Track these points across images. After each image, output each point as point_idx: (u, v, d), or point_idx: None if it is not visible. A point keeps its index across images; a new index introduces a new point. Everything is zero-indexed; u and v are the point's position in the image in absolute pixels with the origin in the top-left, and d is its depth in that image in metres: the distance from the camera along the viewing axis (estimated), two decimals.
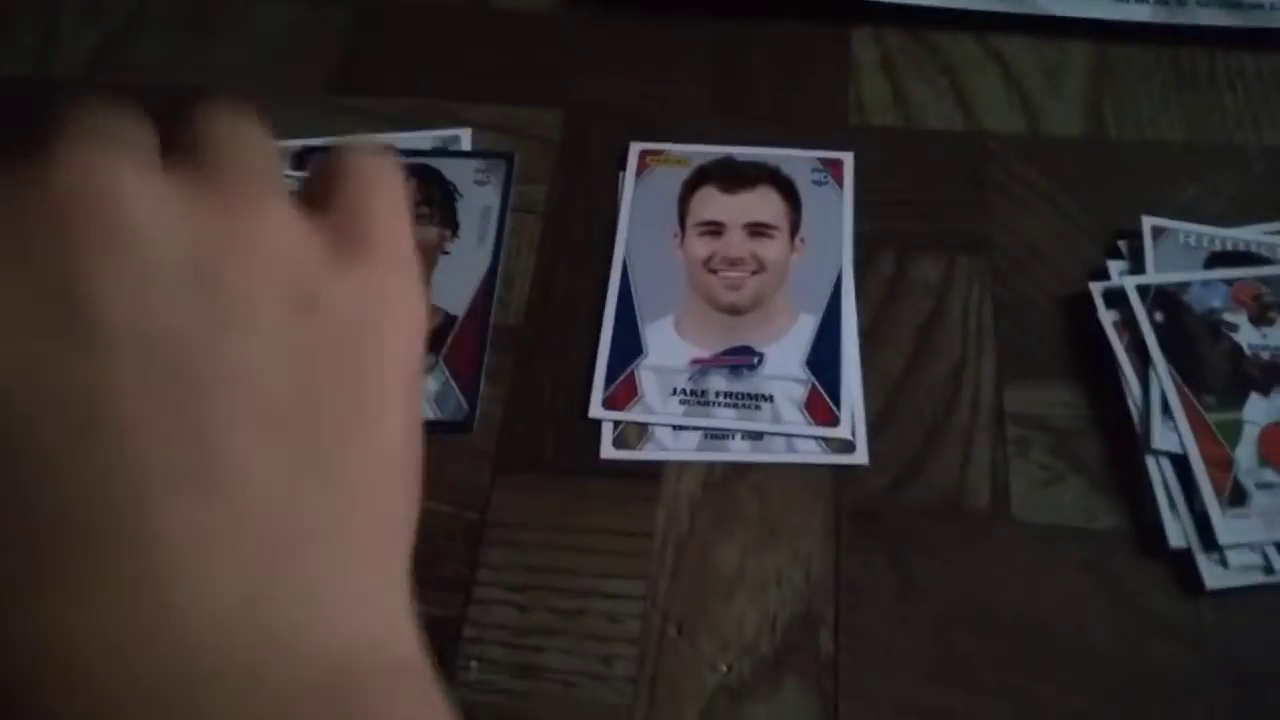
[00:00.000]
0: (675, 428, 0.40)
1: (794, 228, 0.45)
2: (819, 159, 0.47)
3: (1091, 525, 0.37)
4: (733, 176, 0.46)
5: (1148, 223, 0.43)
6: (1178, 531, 0.36)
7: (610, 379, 0.41)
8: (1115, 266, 0.43)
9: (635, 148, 0.48)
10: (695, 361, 0.41)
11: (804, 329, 0.42)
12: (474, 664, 0.35)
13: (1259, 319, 0.40)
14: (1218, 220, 0.44)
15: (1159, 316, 0.40)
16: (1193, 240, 0.43)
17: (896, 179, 0.47)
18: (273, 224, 0.17)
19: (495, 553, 0.38)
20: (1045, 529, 0.37)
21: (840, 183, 0.46)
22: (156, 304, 0.15)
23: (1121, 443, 0.39)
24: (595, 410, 0.40)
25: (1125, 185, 0.46)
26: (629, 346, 0.42)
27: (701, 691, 0.35)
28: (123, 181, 0.16)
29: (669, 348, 0.42)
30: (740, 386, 0.40)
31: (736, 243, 0.44)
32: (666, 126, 0.49)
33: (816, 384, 0.40)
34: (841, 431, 0.39)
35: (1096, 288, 0.42)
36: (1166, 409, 0.38)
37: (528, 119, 0.50)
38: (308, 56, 0.52)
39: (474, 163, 0.48)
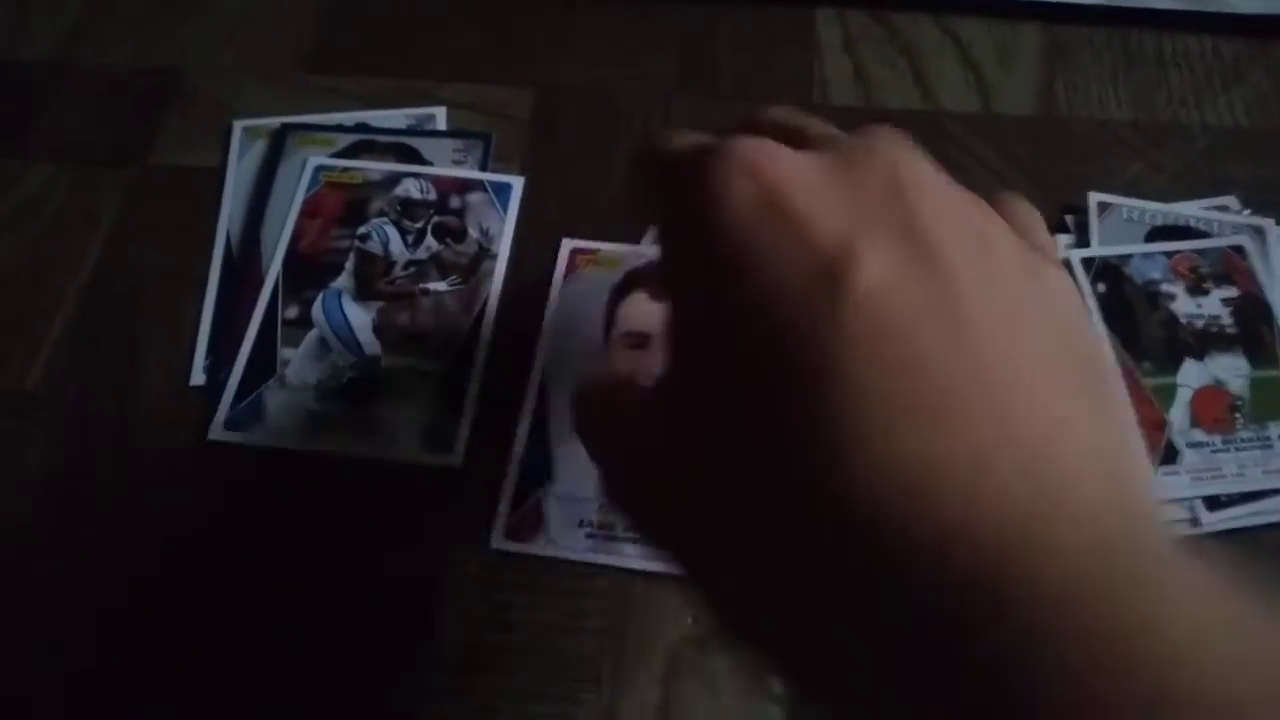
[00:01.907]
0: (583, 564, 0.38)
1: None
2: None
3: None
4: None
5: (1093, 198, 0.45)
6: None
7: (515, 505, 0.39)
8: (1062, 240, 0.45)
9: (566, 246, 0.45)
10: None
11: None
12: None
13: (1195, 289, 0.42)
14: (1161, 196, 0.46)
15: (1101, 287, 0.42)
16: (1135, 215, 0.45)
17: None
18: (1001, 226, 0.23)
19: (473, 516, 0.39)
20: None
21: None
22: (954, 240, 0.20)
23: None
24: (498, 541, 0.38)
25: (1074, 162, 0.48)
26: (537, 469, 0.39)
27: (668, 643, 0.37)
28: (922, 166, 0.22)
29: (580, 475, 0.39)
30: None
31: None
32: (632, 108, 0.50)
33: None
34: None
35: None
36: None
37: (500, 98, 0.51)
38: (279, 35, 0.53)
39: (451, 142, 0.50)
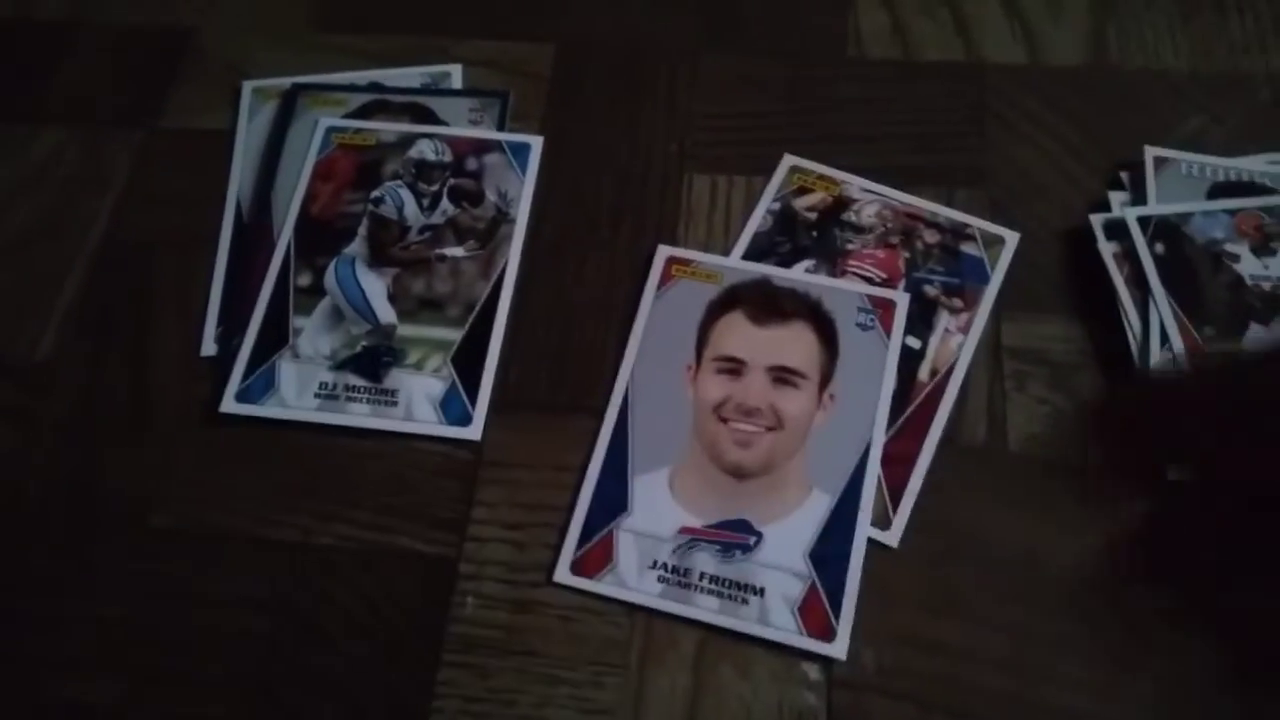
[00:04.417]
0: (648, 611, 0.35)
1: (825, 379, 0.38)
2: (868, 297, 0.39)
3: (1088, 458, 0.37)
4: (766, 305, 0.39)
5: (1150, 153, 0.42)
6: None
7: (584, 539, 0.36)
8: (1116, 198, 0.42)
9: (662, 253, 0.41)
10: (685, 531, 0.36)
11: (815, 509, 0.36)
12: (470, 600, 0.36)
13: (1261, 249, 0.39)
14: (1223, 151, 0.43)
15: (1159, 248, 0.40)
16: (1195, 171, 0.42)
17: (894, 112, 0.46)
18: None
19: (490, 492, 0.38)
20: (1042, 463, 0.37)
21: (888, 330, 0.39)
22: None
23: (1120, 375, 0.38)
24: (562, 574, 0.35)
25: (1128, 116, 0.45)
26: (613, 499, 0.36)
27: (698, 626, 0.35)
28: None
29: (658, 509, 0.36)
30: (729, 572, 0.35)
31: (756, 388, 0.37)
32: (658, 62, 0.48)
33: (817, 583, 0.35)
34: (835, 650, 0.34)
35: (1097, 219, 0.41)
36: (1165, 340, 0.37)
37: (519, 54, 0.49)
38: None
39: (467, 101, 0.48)
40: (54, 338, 0.42)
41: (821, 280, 0.40)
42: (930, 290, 0.40)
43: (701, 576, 0.35)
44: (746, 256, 0.41)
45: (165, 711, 0.34)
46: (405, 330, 0.41)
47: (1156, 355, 0.37)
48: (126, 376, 0.41)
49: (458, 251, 0.43)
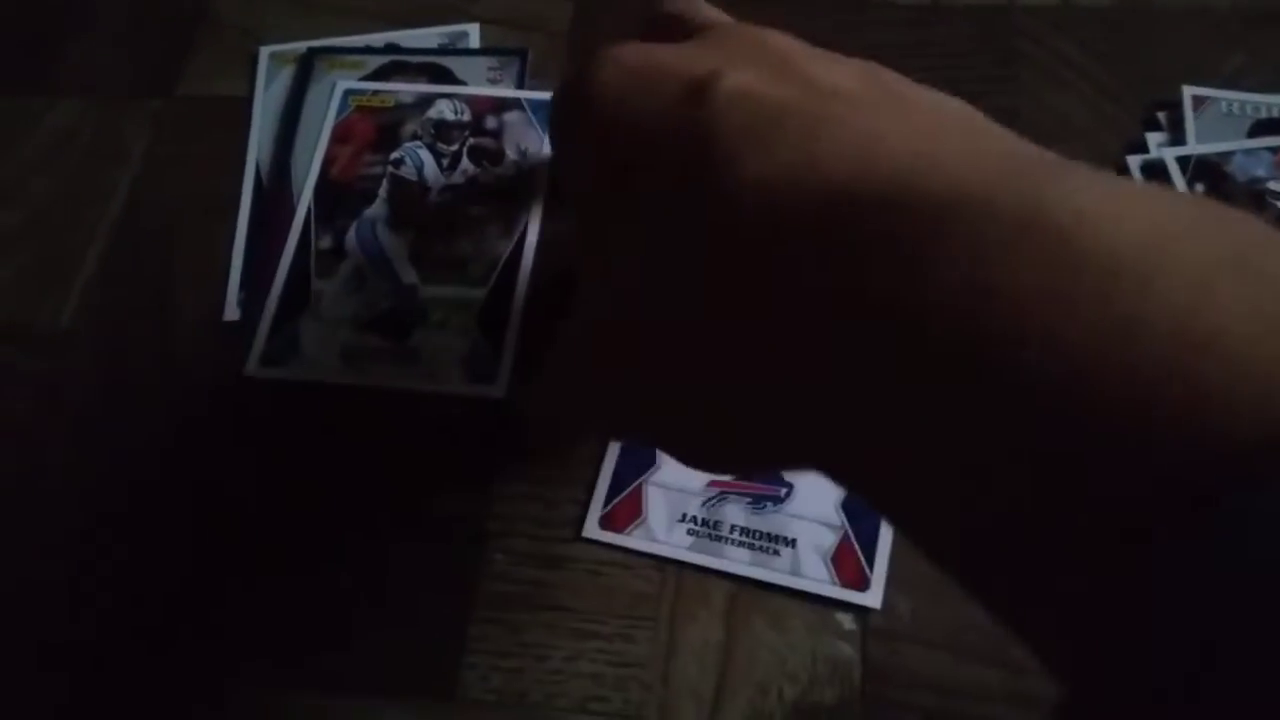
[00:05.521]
0: (679, 564, 0.35)
1: None
2: None
3: None
4: None
5: (1188, 92, 0.41)
6: None
7: (613, 493, 0.36)
8: (1154, 139, 0.41)
9: None
10: (714, 484, 0.35)
11: None
12: (499, 557, 0.35)
13: None
14: (1265, 88, 0.42)
15: (1199, 188, 0.38)
16: (1236, 109, 0.41)
17: (921, 58, 0.45)
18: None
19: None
20: None
21: None
22: (830, 67, 0.24)
23: None
24: (590, 529, 0.35)
25: (1165, 54, 0.44)
26: (641, 454, 0.36)
27: (730, 579, 0.34)
28: (797, 41, 0.25)
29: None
30: (760, 523, 0.35)
31: None
32: None
33: (850, 532, 0.34)
34: (869, 599, 0.33)
35: (1134, 161, 0.40)
36: None
37: (536, 11, 0.48)
38: None
39: (485, 60, 0.47)
40: (77, 306, 0.42)
41: None
42: None
43: (732, 529, 0.35)
44: None
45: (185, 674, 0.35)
46: (428, 290, 0.41)
47: None
48: (149, 344, 0.41)
49: (479, 210, 0.42)
